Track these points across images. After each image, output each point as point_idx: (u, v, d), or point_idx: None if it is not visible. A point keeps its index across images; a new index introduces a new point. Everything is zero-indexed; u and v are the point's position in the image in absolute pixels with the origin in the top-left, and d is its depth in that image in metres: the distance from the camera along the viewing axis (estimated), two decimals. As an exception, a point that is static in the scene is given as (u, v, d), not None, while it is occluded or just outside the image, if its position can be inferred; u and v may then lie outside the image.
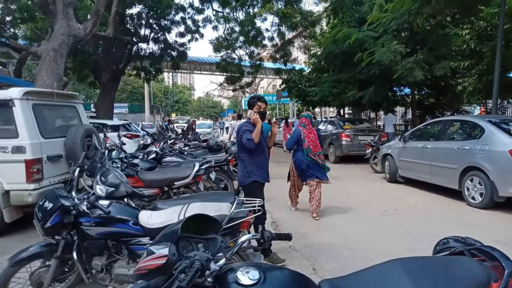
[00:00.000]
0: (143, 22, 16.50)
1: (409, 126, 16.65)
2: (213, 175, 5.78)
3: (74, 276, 3.08)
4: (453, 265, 1.53)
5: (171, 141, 9.28)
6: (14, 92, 4.92)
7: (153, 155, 6.40)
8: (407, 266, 1.51)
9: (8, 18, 12.78)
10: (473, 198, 6.25)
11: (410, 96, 15.26)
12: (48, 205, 2.75)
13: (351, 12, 13.56)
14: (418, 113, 15.34)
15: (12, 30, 13.59)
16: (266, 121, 7.40)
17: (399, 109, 22.14)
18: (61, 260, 2.93)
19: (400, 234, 4.92)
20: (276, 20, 18.25)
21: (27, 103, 4.97)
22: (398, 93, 16.55)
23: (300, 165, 5.82)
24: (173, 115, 49.30)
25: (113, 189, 3.25)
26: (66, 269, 3.05)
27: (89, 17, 10.45)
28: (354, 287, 1.48)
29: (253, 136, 3.79)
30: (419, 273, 1.46)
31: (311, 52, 21.27)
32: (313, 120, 6.47)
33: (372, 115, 23.40)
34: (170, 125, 19.07)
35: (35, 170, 4.84)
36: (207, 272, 1.34)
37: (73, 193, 2.90)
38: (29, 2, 12.45)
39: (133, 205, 3.38)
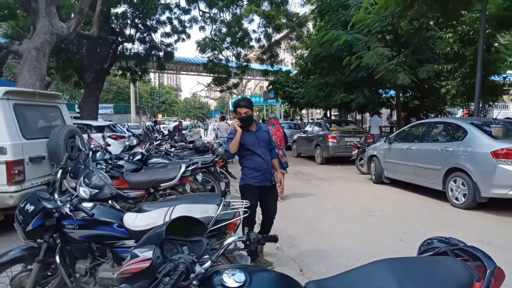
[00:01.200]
0: (129, 21, 16.31)
1: (394, 128, 16.88)
2: (199, 177, 5.74)
3: (57, 280, 3.00)
4: (437, 266, 1.55)
5: (157, 142, 9.20)
6: (-6, 92, 4.79)
7: (138, 157, 6.32)
8: (393, 267, 1.53)
9: (-12, 16, 12.49)
10: (457, 198, 6.36)
11: (395, 98, 15.47)
12: (30, 207, 2.68)
13: (337, 15, 13.69)
14: (403, 115, 15.57)
15: (-8, 28, 13.29)
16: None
17: (385, 111, 22.44)
18: (44, 264, 2.86)
19: (385, 234, 4.98)
20: (263, 21, 18.28)
21: (8, 103, 4.85)
22: (384, 96, 16.77)
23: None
24: (160, 116, 48.88)
25: (97, 191, 3.20)
26: (49, 273, 2.98)
27: (72, 15, 10.27)
28: (340, 287, 1.49)
29: (231, 145, 3.75)
30: (404, 274, 1.48)
31: (298, 53, 21.38)
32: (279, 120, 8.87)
33: (358, 117, 23.65)
34: (156, 126, 18.90)
35: (17, 171, 4.73)
36: (192, 275, 1.32)
37: (56, 195, 2.84)
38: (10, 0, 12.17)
39: (118, 207, 3.32)
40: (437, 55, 11.56)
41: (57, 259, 2.78)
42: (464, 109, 17.63)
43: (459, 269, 1.49)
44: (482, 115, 13.43)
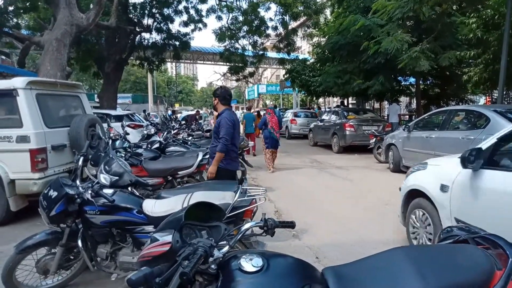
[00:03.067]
0: (146, 11, 16.39)
1: (413, 116, 16.54)
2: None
3: (79, 263, 3.12)
4: (457, 253, 1.53)
5: (175, 131, 9.29)
6: (17, 82, 4.92)
7: (156, 145, 6.42)
8: (410, 254, 1.51)
9: (10, 8, 12.72)
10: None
11: (414, 86, 15.12)
12: (53, 193, 2.77)
13: (356, 0, 13.39)
14: (422, 103, 15.22)
15: (15, 20, 13.53)
16: (254, 112, 12.91)
17: (404, 99, 21.99)
18: (67, 248, 2.97)
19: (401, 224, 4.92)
20: (280, 9, 18.05)
21: (31, 93, 4.97)
22: (403, 83, 16.41)
23: (266, 138, 9.13)
24: (177, 105, 49.28)
25: (117, 178, 3.26)
26: (72, 257, 3.09)
27: (91, 6, 10.38)
28: (357, 274, 1.48)
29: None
30: (422, 261, 1.46)
31: (315, 41, 21.06)
32: (276, 110, 11.79)
33: (377, 105, 23.26)
34: (173, 116, 19.09)
35: (40, 159, 4.87)
36: (211, 259, 1.34)
37: (78, 182, 2.92)
38: (32, -8, 12.39)
39: (137, 194, 3.39)
40: (459, 41, 11.19)
41: (79, 243, 2.88)
42: (487, 97, 17.10)
43: (479, 257, 1.46)
44: (506, 103, 13.01)
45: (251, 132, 11.94)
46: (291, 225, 1.77)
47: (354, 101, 22.74)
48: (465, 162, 2.92)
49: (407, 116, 19.67)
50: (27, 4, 12.46)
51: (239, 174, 6.78)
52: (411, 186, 3.94)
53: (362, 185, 7.42)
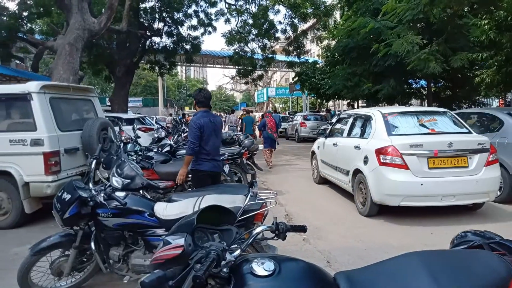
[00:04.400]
0: (157, 15, 16.57)
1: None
2: (226, 168, 5.79)
3: (92, 265, 3.15)
4: (472, 259, 1.50)
5: (185, 134, 9.34)
6: (31, 86, 5.00)
7: (167, 148, 6.47)
8: (424, 259, 1.49)
9: (25, 13, 12.98)
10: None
11: (426, 89, 14.96)
12: (66, 196, 2.81)
13: (366, 3, 13.33)
14: (434, 105, 15.06)
15: (29, 25, 13.81)
16: (251, 115, 13.96)
17: (415, 102, 21.77)
18: (80, 250, 3.00)
19: (415, 228, 4.87)
20: (289, 12, 18.09)
21: (44, 97, 5.05)
22: (414, 86, 16.25)
23: (265, 138, 10.53)
24: (187, 108, 49.57)
25: (129, 181, 3.30)
26: (85, 259, 3.12)
27: (103, 11, 10.54)
28: (369, 279, 1.47)
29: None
30: (436, 267, 1.44)
31: (324, 44, 21.04)
32: (274, 114, 13.81)
33: (385, 105, 23.04)
34: (183, 119, 19.20)
35: (53, 162, 4.94)
36: (223, 263, 1.35)
37: (90, 185, 2.96)
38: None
39: (149, 197, 3.42)
40: (471, 43, 11.05)
41: (92, 245, 2.91)
42: (500, 99, 16.83)
43: (495, 263, 1.44)
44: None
45: (250, 134, 12.07)
46: (302, 229, 1.76)
47: (364, 104, 22.59)
48: (323, 135, 7.68)
49: (418, 119, 19.42)
50: (41, 9, 12.71)
51: (248, 177, 6.83)
52: (312, 149, 8.40)
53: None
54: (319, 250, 4.16)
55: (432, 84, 14.44)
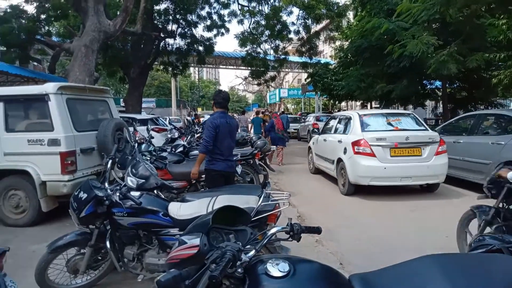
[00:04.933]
0: (170, 17, 16.72)
1: (439, 121, 16.11)
2: (239, 169, 5.79)
3: (107, 264, 3.20)
4: (490, 263, 1.48)
5: (198, 134, 9.40)
6: (49, 87, 5.10)
7: (180, 149, 6.52)
8: (441, 263, 1.47)
9: (43, 16, 13.25)
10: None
11: (441, 90, 14.74)
12: (83, 195, 2.86)
13: (380, 3, 13.21)
14: (449, 107, 14.81)
15: (46, 27, 14.07)
16: (260, 116, 14.50)
17: (429, 103, 21.46)
18: (95, 249, 3.05)
19: (430, 230, 4.80)
20: (302, 13, 18.04)
21: (61, 98, 5.15)
22: (428, 87, 16.02)
23: (274, 138, 10.90)
24: (199, 109, 49.87)
25: (144, 181, 3.34)
26: (100, 257, 3.17)
27: (118, 13, 10.69)
28: (385, 282, 1.46)
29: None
30: (454, 270, 1.42)
31: (337, 45, 20.92)
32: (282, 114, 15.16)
33: (401, 109, 22.78)
34: (196, 120, 19.32)
35: (69, 162, 5.03)
36: (238, 263, 1.35)
37: (106, 184, 3.01)
38: (62, 0, 12.84)
39: (163, 196, 3.46)
40: (488, 43, 10.86)
41: (107, 244, 2.95)
42: (518, 101, 16.46)
43: (514, 267, 1.41)
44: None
45: (257, 133, 12.66)
46: (317, 230, 1.76)
47: (378, 105, 22.38)
48: (317, 133, 9.12)
49: (433, 121, 19.19)
50: (58, 12, 12.93)
51: (261, 178, 6.83)
52: (309, 144, 9.96)
53: (388, 191, 7.28)
54: (331, 251, 4.14)
55: (447, 85, 14.20)
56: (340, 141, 7.17)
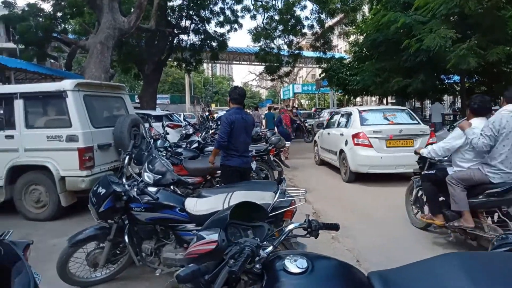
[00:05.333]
0: (184, 13, 16.77)
1: (458, 116, 15.80)
2: (254, 165, 5.80)
3: (125, 258, 3.25)
4: (514, 262, 1.44)
5: (212, 131, 9.45)
6: (67, 84, 5.19)
7: (195, 145, 6.56)
8: (463, 261, 1.44)
9: (59, 14, 13.47)
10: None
11: (459, 84, 14.43)
12: (102, 190, 2.91)
13: (396, -4, 12.97)
14: (467, 102, 14.49)
15: (62, 25, 14.31)
16: (272, 111, 15.35)
17: (447, 98, 21.05)
18: (114, 243, 3.10)
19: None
20: (316, 7, 17.84)
21: (79, 94, 5.23)
22: (446, 81, 15.70)
23: (281, 132, 10.80)
24: (213, 105, 50.05)
25: (160, 176, 3.37)
26: (118, 252, 3.22)
27: (132, 10, 10.79)
28: (405, 279, 1.43)
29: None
30: (476, 269, 1.39)
31: (352, 40, 20.65)
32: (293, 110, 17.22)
33: (418, 104, 22.43)
34: (210, 116, 19.42)
35: (87, 157, 5.12)
36: (257, 259, 1.36)
37: (124, 180, 3.05)
38: (78, -2, 13.05)
39: (179, 192, 3.49)
40: (509, 36, 10.56)
41: (126, 238, 3.00)
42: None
43: (540, 267, 1.37)
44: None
45: (271, 128, 13.22)
46: (335, 227, 1.75)
47: (394, 100, 22.07)
48: (321, 127, 10.73)
49: (451, 116, 18.82)
50: (74, 10, 13.14)
51: (275, 174, 6.82)
52: (314, 138, 10.81)
53: (405, 187, 7.19)
54: (348, 248, 4.11)
55: (466, 79, 13.89)
56: (342, 134, 7.93)
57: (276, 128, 12.38)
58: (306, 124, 17.32)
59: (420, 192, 4.46)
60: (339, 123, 8.67)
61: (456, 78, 15.13)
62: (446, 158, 4.21)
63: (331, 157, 8.64)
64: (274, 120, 14.09)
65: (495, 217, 3.68)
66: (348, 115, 8.22)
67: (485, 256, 1.54)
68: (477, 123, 3.77)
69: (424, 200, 4.37)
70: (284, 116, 11.78)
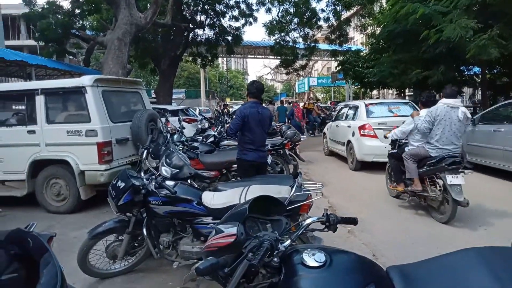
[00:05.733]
0: (199, 8, 16.79)
1: (478, 109, 15.40)
2: (269, 159, 5.81)
3: (143, 250, 3.31)
4: (538, 257, 1.40)
5: (227, 125, 9.47)
6: (86, 80, 5.28)
7: (211, 139, 6.59)
8: (484, 256, 1.41)
9: (77, 11, 13.66)
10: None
11: (479, 76, 14.04)
12: (121, 184, 2.96)
13: (415, -14, 12.65)
14: (488, 93, 14.10)
15: (81, 22, 14.51)
16: (285, 105, 17.85)
17: (467, 90, 20.53)
18: (132, 236, 3.16)
19: (468, 223, 4.63)
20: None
21: (98, 90, 5.31)
22: (466, 73, 15.30)
23: (293, 125, 11.02)
24: (228, 99, 50.16)
25: (177, 170, 3.41)
26: (136, 244, 3.29)
27: (149, 6, 10.85)
28: (425, 274, 1.41)
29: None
30: (498, 264, 1.35)
31: (369, 31, 20.30)
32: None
33: (436, 96, 21.93)
34: (225, 110, 19.47)
35: (106, 152, 5.21)
36: (275, 252, 1.36)
37: (142, 174, 3.09)
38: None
39: (196, 186, 3.52)
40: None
41: (144, 231, 3.05)
42: None
43: None
44: None
45: (283, 121, 14.04)
46: (353, 221, 1.74)
47: (412, 93, 21.65)
48: (330, 120, 11.07)
49: (471, 109, 18.34)
50: (91, 6, 13.31)
51: (291, 168, 6.81)
52: (324, 130, 11.35)
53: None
54: (364, 243, 4.08)
55: (487, 71, 13.49)
56: (349, 126, 8.53)
57: (288, 120, 13.14)
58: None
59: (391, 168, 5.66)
60: (347, 116, 9.24)
61: (477, 69, 14.72)
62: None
63: (339, 147, 9.28)
64: (287, 113, 14.92)
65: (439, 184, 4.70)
66: (355, 108, 8.81)
67: (507, 251, 1.51)
68: (424, 112, 4.93)
69: (391, 172, 5.65)
70: (296, 110, 12.75)
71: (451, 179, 4.42)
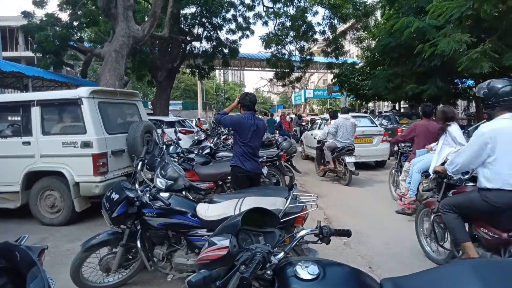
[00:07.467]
0: (196, 21, 16.95)
1: (472, 121, 15.52)
2: (265, 170, 5.79)
3: (137, 263, 3.28)
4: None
5: (224, 136, 9.49)
6: (82, 91, 5.28)
7: (207, 150, 6.59)
8: (478, 269, 1.41)
9: (75, 23, 13.75)
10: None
11: (473, 89, 14.19)
12: (115, 196, 2.94)
13: (409, 1, 12.87)
14: (482, 106, 14.21)
15: (78, 34, 14.59)
16: (276, 118, 18.38)
17: (461, 103, 20.73)
18: (126, 248, 3.13)
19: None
20: (328, 13, 17.85)
21: (94, 101, 5.32)
22: (460, 86, 15.46)
23: (282, 135, 11.52)
24: (224, 111, 50.09)
25: (172, 182, 3.39)
26: (130, 257, 3.25)
27: (146, 18, 10.95)
28: (418, 287, 1.41)
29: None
30: (491, 277, 1.36)
31: (364, 45, 20.55)
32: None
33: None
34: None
35: (101, 163, 5.19)
36: (268, 265, 1.35)
37: (137, 186, 3.08)
38: (93, 7, 13.29)
39: (191, 198, 3.50)
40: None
41: (138, 244, 3.03)
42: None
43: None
44: None
45: (271, 132, 15.20)
46: (347, 233, 1.74)
47: (407, 105, 21.83)
48: (306, 130, 14.44)
49: (465, 121, 18.50)
50: (89, 19, 13.41)
51: (287, 180, 6.80)
52: (301, 138, 13.86)
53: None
54: (360, 255, 4.07)
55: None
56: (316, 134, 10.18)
57: (277, 131, 14.96)
58: None
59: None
60: (319, 126, 11.07)
61: (471, 82, 14.89)
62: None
63: (312, 151, 10.66)
64: (275, 125, 16.62)
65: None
66: (325, 120, 10.52)
67: (500, 264, 1.51)
68: (335, 122, 8.13)
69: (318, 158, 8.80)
70: (284, 122, 15.22)
71: (348, 159, 7.61)
